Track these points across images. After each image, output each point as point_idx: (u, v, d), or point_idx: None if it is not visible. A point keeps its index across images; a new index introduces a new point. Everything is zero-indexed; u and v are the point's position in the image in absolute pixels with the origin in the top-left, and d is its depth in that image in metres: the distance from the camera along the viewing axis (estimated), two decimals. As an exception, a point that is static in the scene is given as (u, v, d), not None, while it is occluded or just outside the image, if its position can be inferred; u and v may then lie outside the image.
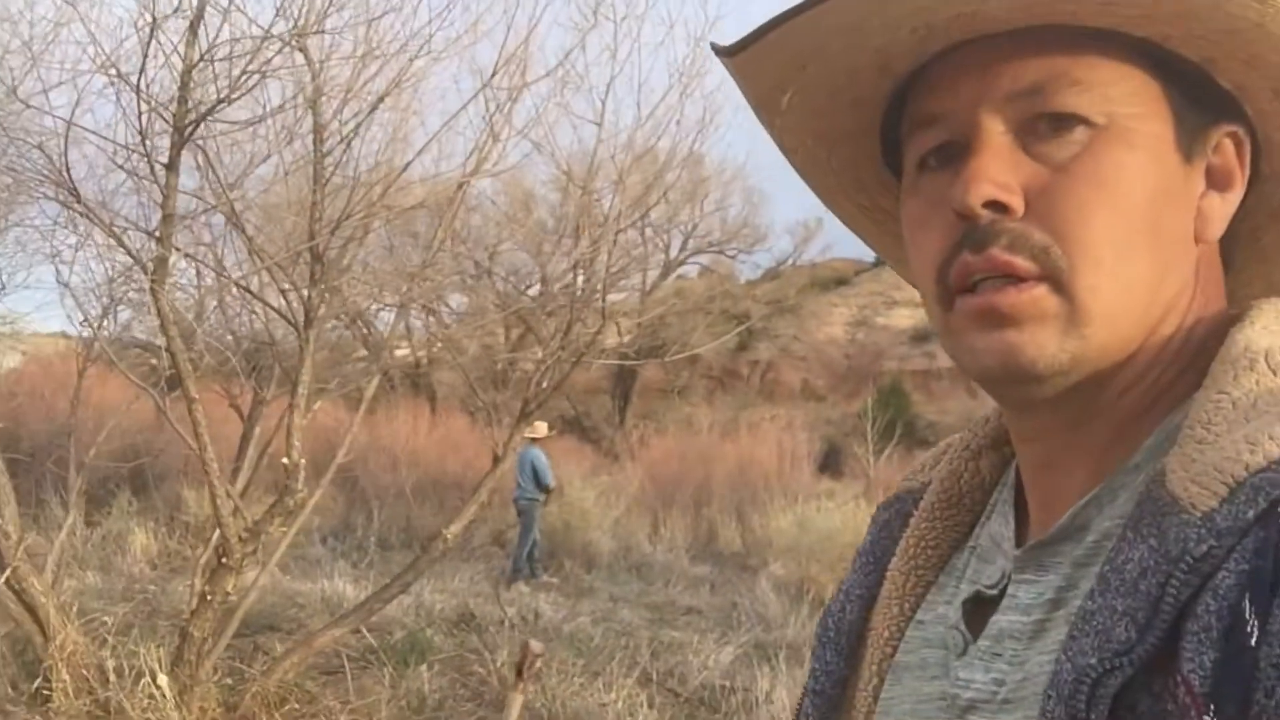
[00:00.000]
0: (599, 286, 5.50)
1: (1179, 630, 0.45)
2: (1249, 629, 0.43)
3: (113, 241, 4.01)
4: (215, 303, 5.55)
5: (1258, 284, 0.66)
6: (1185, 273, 0.58)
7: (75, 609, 5.46)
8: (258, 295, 4.44)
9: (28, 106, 3.82)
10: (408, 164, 4.41)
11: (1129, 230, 0.55)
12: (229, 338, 5.52)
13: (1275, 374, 0.52)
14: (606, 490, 13.49)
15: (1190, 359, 0.58)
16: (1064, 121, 0.56)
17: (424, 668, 5.89)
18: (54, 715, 4.58)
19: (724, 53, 0.61)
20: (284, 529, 4.44)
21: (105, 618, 6.19)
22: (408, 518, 12.38)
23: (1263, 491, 0.45)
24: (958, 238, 0.56)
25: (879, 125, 0.65)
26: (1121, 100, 0.56)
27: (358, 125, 4.53)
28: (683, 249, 37.77)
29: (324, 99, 4.45)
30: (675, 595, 9.96)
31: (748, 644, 7.40)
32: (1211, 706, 0.42)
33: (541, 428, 10.80)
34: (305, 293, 4.33)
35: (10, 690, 4.77)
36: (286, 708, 5.13)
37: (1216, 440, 0.49)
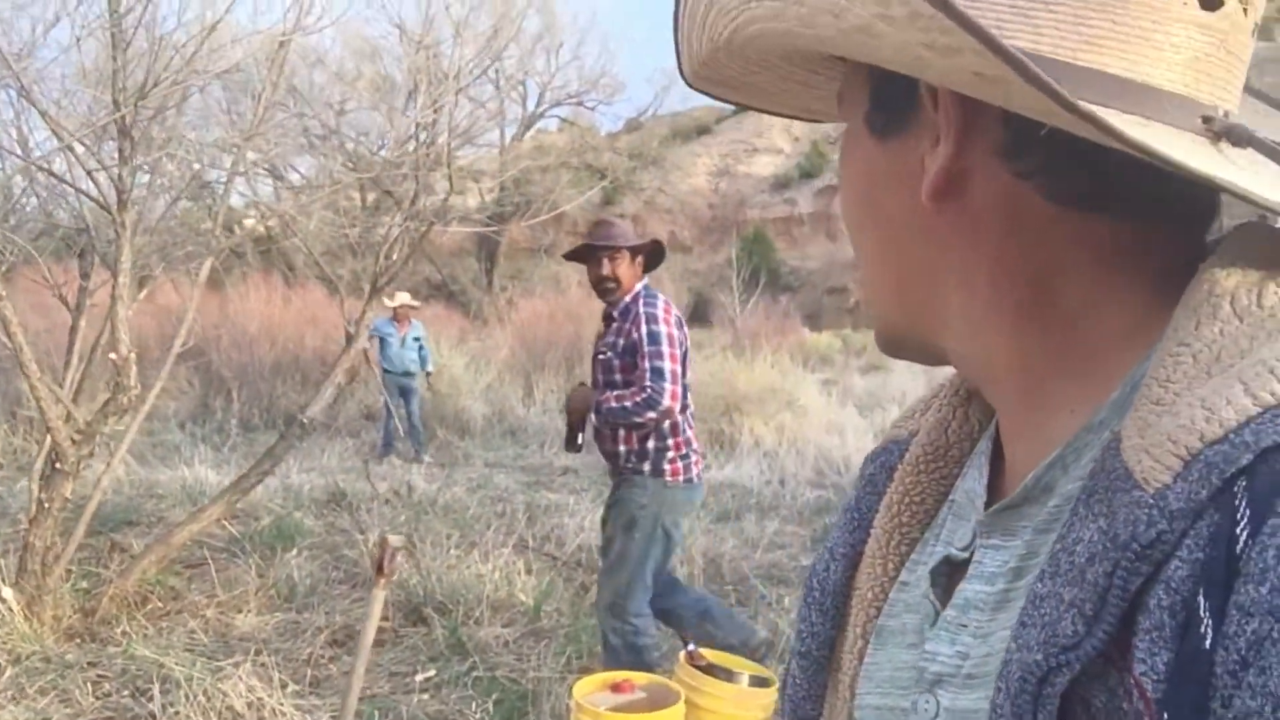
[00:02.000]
0: (443, 150, 5.20)
1: (1132, 623, 0.41)
2: (1203, 629, 0.38)
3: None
4: (24, 184, 5.03)
5: None
6: (943, 239, 0.55)
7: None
8: (61, 178, 4.02)
9: None
10: (216, 22, 3.99)
11: (860, 217, 0.59)
12: (47, 221, 5.03)
13: (1242, 320, 0.45)
14: (477, 356, 13.32)
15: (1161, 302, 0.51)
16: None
17: (293, 553, 5.75)
18: (-112, 639, 4.28)
19: (688, 84, 0.61)
20: (120, 426, 4.16)
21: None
22: (270, 397, 11.99)
23: (1216, 468, 0.39)
24: None
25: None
26: (851, 100, 0.57)
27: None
28: (540, 102, 36.83)
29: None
30: (550, 458, 9.98)
31: (623, 501, 7.49)
32: (1165, 715, 0.38)
33: (402, 296, 10.38)
34: (116, 172, 3.94)
35: None
36: (149, 607, 4.93)
37: (1174, 402, 0.43)
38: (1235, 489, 0.39)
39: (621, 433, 3.68)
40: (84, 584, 5.01)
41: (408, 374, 10.27)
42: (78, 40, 3.91)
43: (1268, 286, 0.46)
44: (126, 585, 4.81)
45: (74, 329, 5.19)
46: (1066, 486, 0.50)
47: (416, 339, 10.44)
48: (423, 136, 5.81)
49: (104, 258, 4.25)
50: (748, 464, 8.94)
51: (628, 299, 3.72)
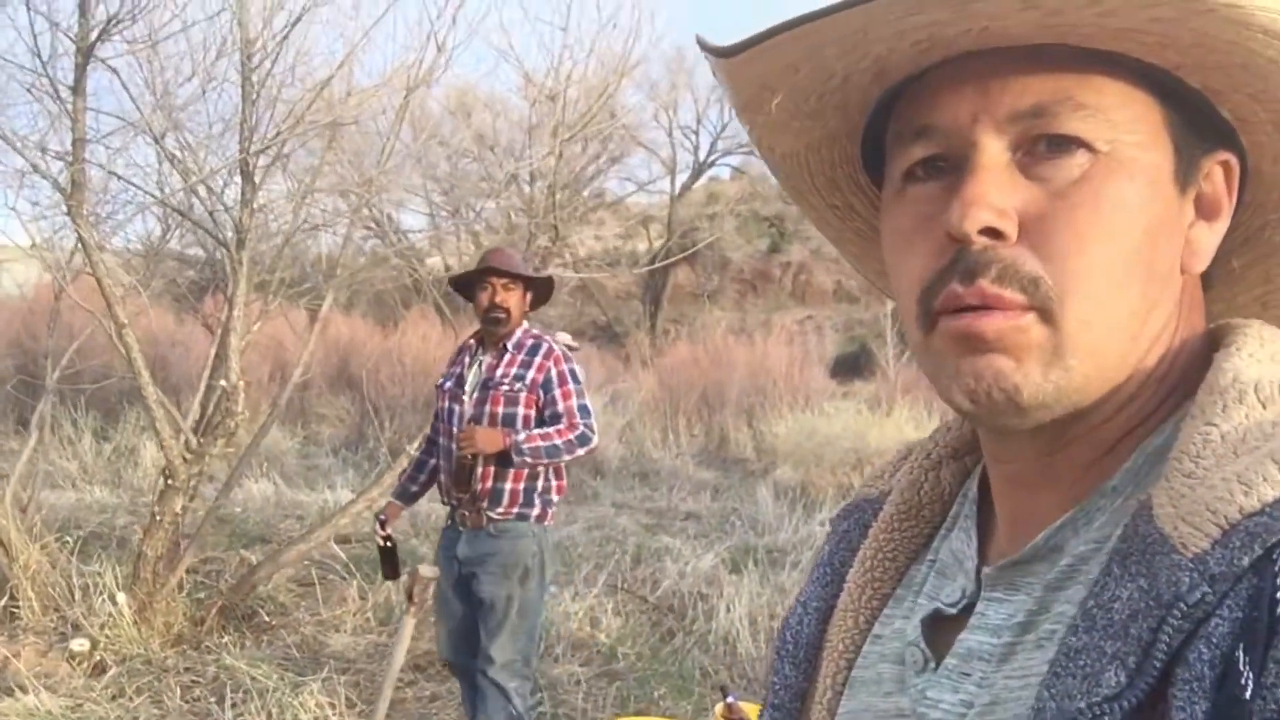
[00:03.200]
0: (555, 198, 5.39)
1: (1169, 676, 0.44)
2: (1243, 680, 0.42)
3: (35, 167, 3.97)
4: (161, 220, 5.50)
5: (1218, 305, 0.65)
6: (1171, 304, 0.57)
7: (51, 525, 5.60)
8: (188, 215, 4.39)
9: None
10: (329, 78, 4.29)
11: (1124, 263, 0.54)
12: (197, 251, 5.48)
13: (1265, 407, 0.51)
14: (617, 396, 13.52)
15: (1172, 385, 0.57)
16: (1066, 144, 0.54)
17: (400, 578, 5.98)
18: (22, 632, 4.71)
19: (718, 54, 0.58)
20: (229, 449, 4.47)
21: (92, 533, 6.36)
22: (418, 427, 12.50)
23: (1258, 538, 0.44)
24: (946, 262, 0.55)
25: (862, 129, 0.63)
26: (1125, 126, 0.54)
27: (285, 37, 4.40)
28: (712, 150, 37.18)
29: (249, 11, 4.33)
30: (677, 501, 10.01)
31: (735, 548, 7.45)
32: None
33: (563, 337, 10.49)
34: (237, 214, 4.27)
35: (-17, 607, 4.91)
36: (256, 620, 5.25)
37: (1206, 476, 0.48)
38: (1274, 556, 0.43)
39: (511, 474, 3.45)
40: (200, 594, 5.38)
41: None
42: (203, 91, 4.29)
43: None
44: (236, 598, 5.13)
45: (218, 355, 5.60)
46: (1078, 548, 0.54)
47: None
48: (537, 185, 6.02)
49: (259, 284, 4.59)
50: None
51: (519, 332, 3.59)
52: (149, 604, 4.65)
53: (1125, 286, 0.54)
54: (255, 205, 4.41)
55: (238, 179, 4.39)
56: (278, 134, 4.43)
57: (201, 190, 4.28)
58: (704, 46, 0.59)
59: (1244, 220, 0.61)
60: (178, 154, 4.22)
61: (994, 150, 0.54)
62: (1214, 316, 0.62)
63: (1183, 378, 0.57)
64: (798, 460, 10.70)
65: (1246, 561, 0.44)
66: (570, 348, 11.29)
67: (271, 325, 7.91)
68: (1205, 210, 0.58)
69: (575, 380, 3.59)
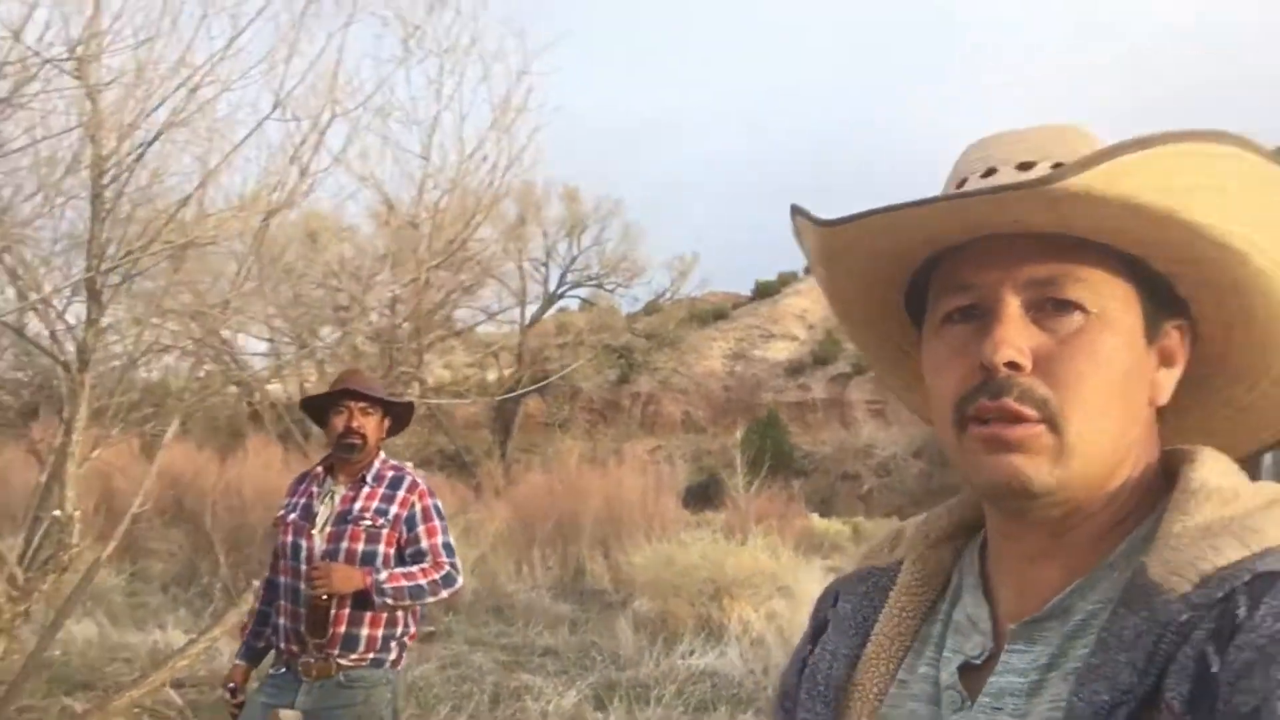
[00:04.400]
0: (419, 324, 5.30)
1: (1165, 672, 0.63)
2: (1211, 666, 0.62)
3: None
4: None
5: (1169, 430, 0.82)
6: (1140, 429, 0.77)
7: None
8: (25, 335, 4.10)
9: None
10: (186, 198, 4.14)
11: (1109, 394, 0.73)
12: (19, 375, 5.11)
13: (1226, 505, 0.71)
14: (470, 528, 13.17)
15: (1144, 490, 0.76)
16: (1067, 306, 0.74)
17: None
18: None
19: (819, 223, 0.78)
20: (57, 585, 4.09)
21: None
22: (258, 561, 11.84)
23: (1226, 581, 0.65)
24: (977, 383, 0.73)
25: (907, 280, 0.84)
26: (1109, 297, 0.74)
27: (139, 155, 4.26)
28: (561, 282, 37.77)
29: (103, 129, 4.18)
30: (534, 636, 9.72)
31: (597, 684, 7.23)
32: (1188, 718, 0.61)
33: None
34: (80, 334, 4.02)
35: None
36: (78, 779, 4.74)
37: (1186, 549, 0.68)
38: (1235, 593, 0.64)
39: (369, 617, 3.18)
40: (14, 751, 4.84)
41: None
42: (51, 208, 4.08)
43: (1239, 486, 0.73)
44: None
45: (48, 485, 5.18)
46: (1086, 606, 0.72)
47: None
48: (443, 311, 5.92)
49: (61, 415, 4.29)
50: (732, 652, 8.66)
51: (378, 463, 3.36)
52: (-46, 764, 4.14)
53: (1109, 411, 0.73)
54: (101, 325, 4.17)
55: (82, 297, 4.16)
56: (128, 253, 4.23)
57: (40, 308, 4.02)
58: (803, 214, 0.80)
59: (1192, 369, 0.81)
60: (17, 271, 3.97)
61: (1015, 306, 0.74)
62: (1166, 440, 0.80)
63: (1150, 486, 0.77)
64: (656, 590, 10.54)
65: (1219, 595, 0.64)
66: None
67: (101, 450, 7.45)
68: (1165, 360, 0.79)
69: (440, 516, 3.35)
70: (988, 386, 0.73)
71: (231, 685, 3.31)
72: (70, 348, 4.09)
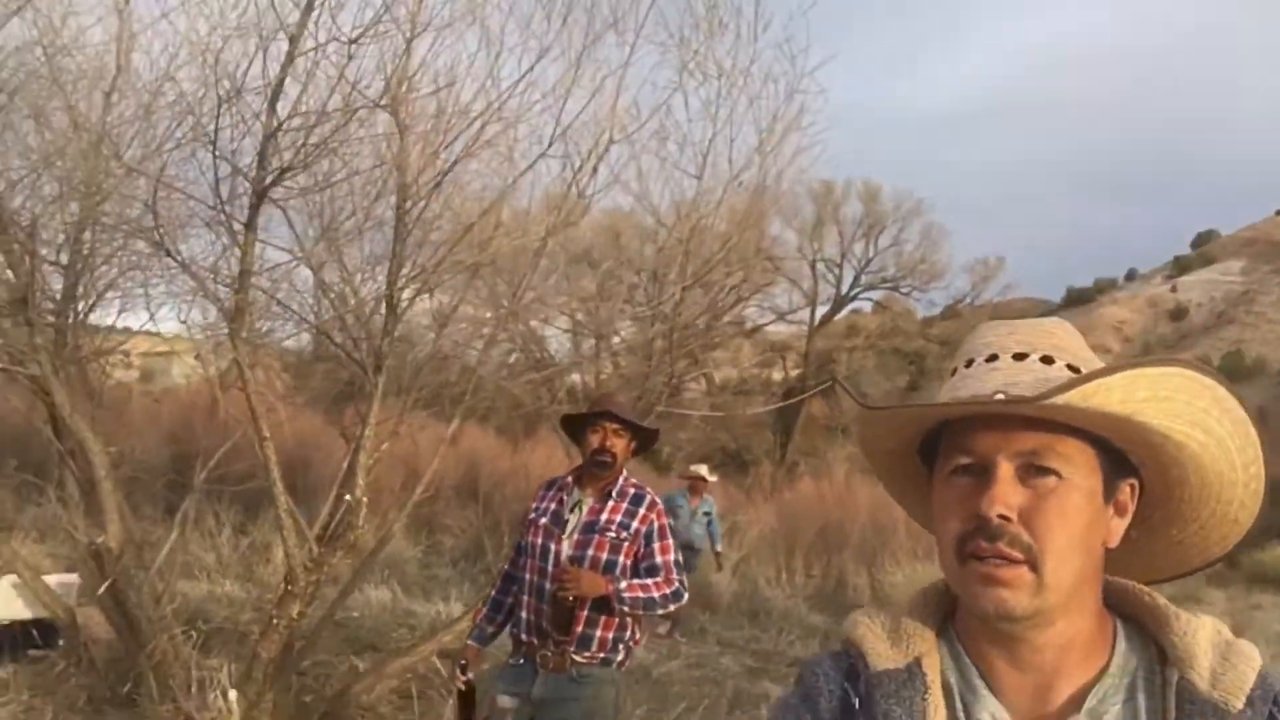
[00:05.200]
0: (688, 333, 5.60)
1: None
2: None
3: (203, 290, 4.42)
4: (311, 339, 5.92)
5: (1114, 565, 1.06)
6: (1095, 566, 1.01)
7: (181, 616, 5.94)
8: (335, 342, 4.77)
9: (130, 170, 4.27)
10: (471, 225, 4.65)
11: (1074, 542, 0.98)
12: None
13: (1202, 628, 1.00)
14: (736, 529, 13.43)
15: (1097, 608, 1.03)
16: (1047, 472, 0.98)
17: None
18: (138, 719, 5.00)
19: (866, 407, 1.07)
20: (347, 560, 4.72)
21: (217, 627, 6.69)
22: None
23: (1268, 698, 0.94)
24: (974, 527, 0.98)
25: (920, 440, 1.11)
26: (1079, 465, 0.99)
27: (437, 184, 4.79)
28: (855, 284, 37.15)
29: (409, 159, 4.74)
30: (785, 645, 9.82)
31: (838, 703, 7.23)
32: None
33: (699, 468, 10.36)
34: (375, 343, 4.62)
35: (108, 692, 5.23)
36: (355, 728, 5.41)
37: (1224, 675, 0.96)
38: (1276, 702, 0.94)
39: (603, 620, 3.48)
40: (306, 698, 5.59)
41: (689, 546, 9.73)
42: (359, 230, 4.71)
43: (1183, 610, 1.02)
44: (338, 706, 5.33)
45: (348, 468, 5.94)
46: (1114, 709, 0.98)
47: (706, 513, 10.18)
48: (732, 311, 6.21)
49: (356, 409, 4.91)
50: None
51: (621, 480, 3.64)
52: (258, 703, 4.87)
53: (1074, 555, 0.98)
54: (395, 334, 4.73)
55: (383, 310, 4.75)
56: (422, 271, 4.78)
57: (349, 317, 4.66)
58: (854, 398, 1.08)
59: (1142, 512, 1.06)
60: (334, 282, 4.62)
61: (1006, 469, 0.98)
62: (1123, 567, 1.08)
63: (1098, 605, 1.04)
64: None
65: (1267, 710, 0.93)
66: (701, 478, 10.70)
67: (408, 434, 8.28)
68: (1118, 510, 1.04)
69: (674, 535, 3.67)
70: (984, 530, 0.97)
71: (462, 662, 3.70)
72: (368, 353, 4.69)
